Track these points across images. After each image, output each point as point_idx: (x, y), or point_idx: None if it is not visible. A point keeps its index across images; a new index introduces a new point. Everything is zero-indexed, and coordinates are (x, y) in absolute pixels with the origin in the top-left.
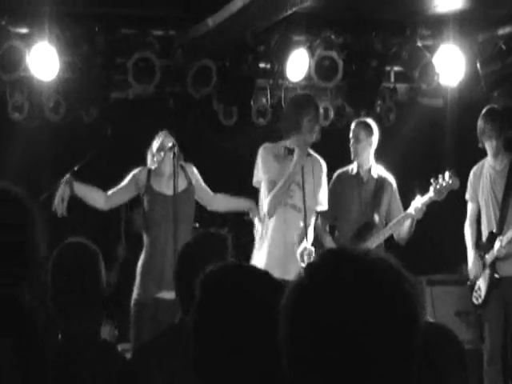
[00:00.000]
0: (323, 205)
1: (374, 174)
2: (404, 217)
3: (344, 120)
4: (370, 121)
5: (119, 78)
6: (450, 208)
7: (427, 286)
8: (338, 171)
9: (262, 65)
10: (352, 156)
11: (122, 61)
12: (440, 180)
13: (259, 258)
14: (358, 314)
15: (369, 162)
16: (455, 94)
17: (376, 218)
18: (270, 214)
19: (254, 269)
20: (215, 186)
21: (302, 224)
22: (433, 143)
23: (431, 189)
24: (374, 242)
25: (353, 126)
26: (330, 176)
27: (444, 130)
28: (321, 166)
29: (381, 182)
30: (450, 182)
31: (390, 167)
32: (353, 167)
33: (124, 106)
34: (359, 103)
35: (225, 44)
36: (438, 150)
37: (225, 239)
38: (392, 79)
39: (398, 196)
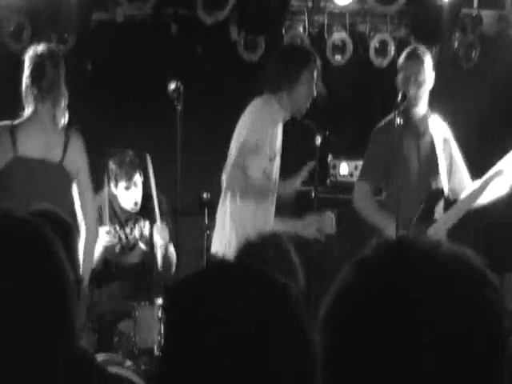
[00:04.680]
0: None
1: (432, 123)
2: (492, 176)
3: None
4: (422, 50)
5: None
6: None
7: None
8: (378, 126)
9: None
10: (405, 100)
11: None
12: None
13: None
14: (424, 329)
15: (425, 108)
16: None
17: (443, 182)
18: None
19: (249, 268)
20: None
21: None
22: None
23: None
24: (450, 219)
25: (404, 58)
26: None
27: None
28: None
29: (439, 134)
30: None
31: (471, 122)
32: (401, 116)
33: (110, 32)
34: (429, 35)
35: None
36: None
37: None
38: (475, 4)
39: (459, 153)
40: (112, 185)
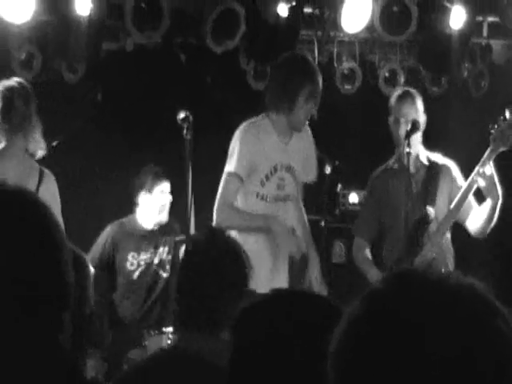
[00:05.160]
0: (313, 175)
1: (424, 159)
2: (464, 193)
3: (418, 86)
4: (413, 92)
5: (114, 23)
6: None
7: None
8: (375, 172)
9: (307, 10)
10: (396, 143)
11: (117, 1)
12: (500, 122)
13: None
14: (435, 361)
15: (417, 148)
16: None
17: (430, 211)
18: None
19: (310, 296)
20: None
21: (291, 212)
22: None
23: (491, 138)
24: (434, 239)
25: (395, 100)
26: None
27: None
28: (307, 131)
29: (435, 169)
30: None
31: (479, 152)
32: (395, 158)
33: (119, 62)
34: (439, 64)
35: None
36: None
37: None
38: (485, 33)
39: (462, 178)
40: (143, 192)
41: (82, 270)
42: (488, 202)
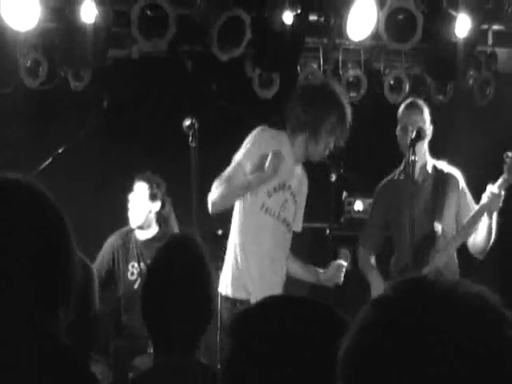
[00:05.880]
0: (298, 227)
1: (431, 169)
2: (476, 214)
3: (423, 95)
4: (421, 102)
5: (120, 30)
6: None
7: None
8: (382, 183)
9: (313, 17)
10: (403, 152)
11: (123, 8)
12: None
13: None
14: (444, 368)
15: (425, 157)
16: None
17: (437, 226)
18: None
19: (309, 303)
20: None
21: (289, 244)
22: None
23: (505, 167)
24: (440, 259)
25: (402, 109)
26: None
27: None
28: (306, 182)
29: (442, 179)
30: None
31: (484, 161)
32: (401, 168)
33: (125, 69)
34: (444, 72)
35: None
36: None
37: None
38: (490, 42)
39: (469, 195)
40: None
41: (85, 275)
42: (485, 221)
